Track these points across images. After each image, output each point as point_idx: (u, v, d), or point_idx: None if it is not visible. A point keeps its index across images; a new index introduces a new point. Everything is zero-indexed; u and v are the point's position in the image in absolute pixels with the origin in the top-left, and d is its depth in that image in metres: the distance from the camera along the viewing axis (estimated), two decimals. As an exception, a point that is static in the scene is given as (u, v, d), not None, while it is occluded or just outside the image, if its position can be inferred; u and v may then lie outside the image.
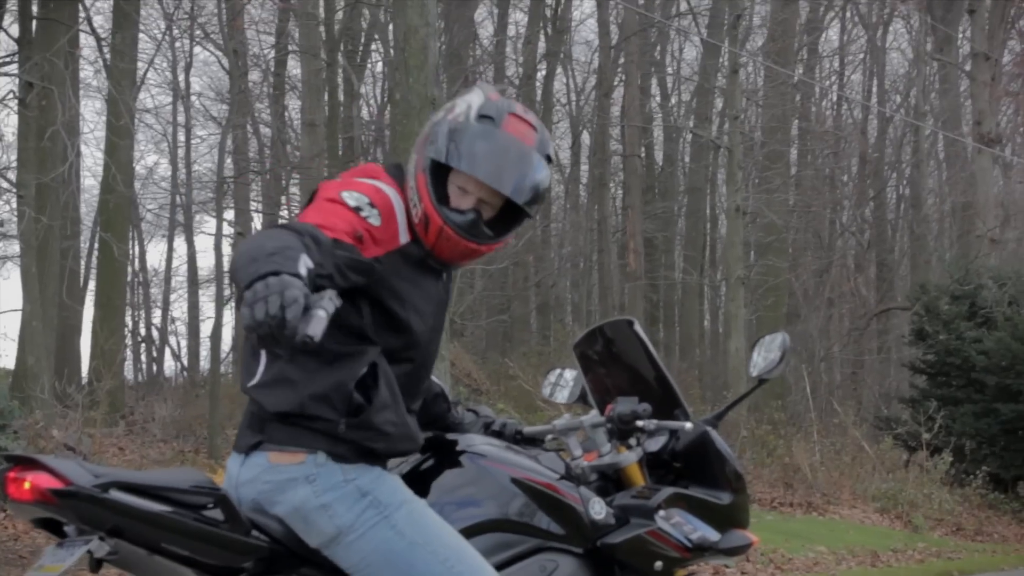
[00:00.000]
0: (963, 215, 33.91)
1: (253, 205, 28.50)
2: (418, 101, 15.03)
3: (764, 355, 4.43)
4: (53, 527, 3.25)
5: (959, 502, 21.49)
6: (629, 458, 4.13)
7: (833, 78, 39.67)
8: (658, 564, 3.98)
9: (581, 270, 32.14)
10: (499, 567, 3.60)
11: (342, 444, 3.38)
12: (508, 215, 3.69)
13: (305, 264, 2.95)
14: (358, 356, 3.39)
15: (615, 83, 32.02)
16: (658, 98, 36.31)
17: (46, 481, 3.06)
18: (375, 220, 3.37)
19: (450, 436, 3.89)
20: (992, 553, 18.73)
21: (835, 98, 38.88)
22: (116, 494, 3.14)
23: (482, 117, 3.61)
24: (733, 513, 4.25)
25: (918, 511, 20.19)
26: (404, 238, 3.50)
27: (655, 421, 4.07)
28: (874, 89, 39.81)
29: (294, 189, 27.74)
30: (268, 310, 2.76)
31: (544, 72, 31.95)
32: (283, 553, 3.41)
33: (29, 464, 3.12)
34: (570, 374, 4.69)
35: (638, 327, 4.49)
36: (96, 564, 3.18)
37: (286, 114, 29.55)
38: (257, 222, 29.14)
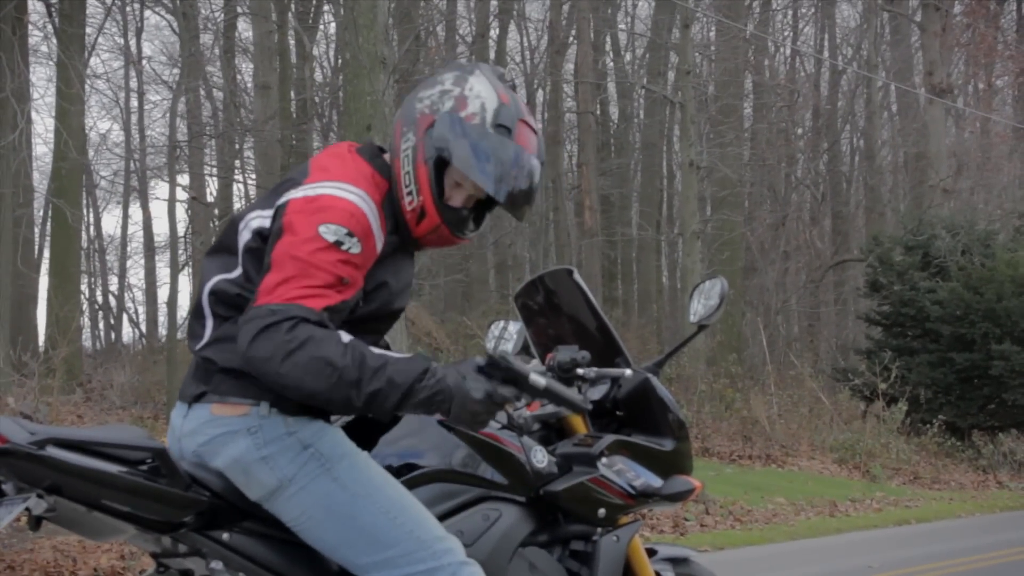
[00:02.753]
0: (916, 166, 34.12)
1: (207, 169, 28.34)
2: (368, 60, 14.98)
3: (703, 301, 4.40)
4: None
5: (916, 451, 21.70)
6: None
7: (786, 32, 39.74)
8: (601, 511, 3.97)
9: (538, 228, 32.14)
10: (442, 517, 3.60)
11: (285, 397, 3.36)
12: (485, 206, 3.76)
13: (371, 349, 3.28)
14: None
15: (568, 40, 31.97)
16: (611, 55, 36.28)
17: None
18: (356, 248, 3.36)
19: None
20: (949, 501, 18.89)
21: (788, 52, 38.94)
22: (53, 451, 3.12)
23: (499, 127, 3.59)
24: (676, 459, 4.22)
25: (875, 461, 20.37)
26: (380, 244, 3.48)
27: (595, 369, 4.04)
28: (826, 42, 39.92)
29: (248, 152, 27.65)
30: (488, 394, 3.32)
31: (497, 30, 31.88)
32: (223, 507, 3.39)
33: None
34: (514, 326, 4.65)
35: (577, 276, 4.47)
36: (35, 522, 3.20)
37: (238, 77, 29.41)
38: (212, 186, 29.03)
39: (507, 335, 4.60)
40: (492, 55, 30.70)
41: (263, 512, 3.42)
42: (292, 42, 25.80)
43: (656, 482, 4.09)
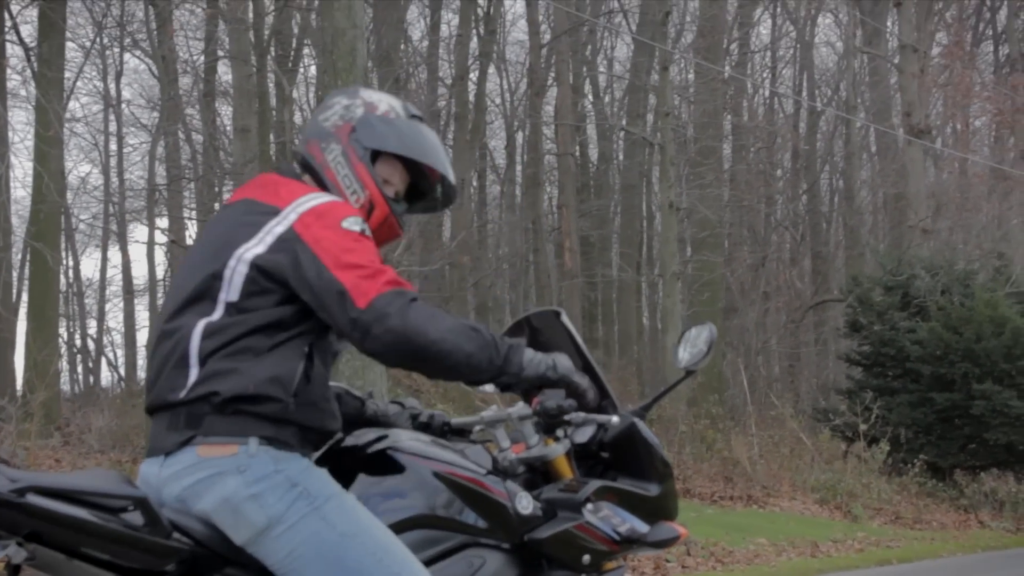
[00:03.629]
0: (895, 206, 34.27)
1: (186, 212, 28.33)
2: (347, 104, 14.94)
3: (690, 348, 4.39)
4: None
5: (897, 491, 21.69)
6: (556, 450, 4.05)
7: (764, 73, 39.95)
8: (586, 557, 3.94)
9: (518, 270, 32.18)
10: (427, 563, 3.56)
11: (286, 427, 3.40)
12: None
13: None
14: (300, 337, 3.46)
15: (548, 83, 32.08)
16: (591, 97, 36.42)
17: None
18: (370, 235, 3.53)
19: (375, 432, 3.87)
20: (931, 541, 18.89)
21: (767, 93, 39.14)
22: (33, 498, 3.07)
23: (412, 116, 3.83)
24: (661, 504, 4.20)
25: (857, 501, 20.34)
26: None
27: (582, 414, 3.96)
28: (804, 83, 40.12)
29: (227, 195, 27.60)
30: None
31: (477, 73, 31.97)
32: (205, 555, 3.36)
33: None
34: None
35: (565, 318, 4.44)
36: (14, 570, 3.12)
37: (218, 120, 29.39)
38: (191, 229, 28.99)
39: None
40: (472, 98, 30.77)
41: (246, 558, 3.38)
42: (272, 85, 25.80)
43: (642, 528, 4.07)
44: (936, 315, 23.19)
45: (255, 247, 3.43)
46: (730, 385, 27.26)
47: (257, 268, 3.41)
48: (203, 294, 3.45)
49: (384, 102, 3.82)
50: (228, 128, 28.14)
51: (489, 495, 3.80)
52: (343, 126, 3.75)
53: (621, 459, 4.24)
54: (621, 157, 35.29)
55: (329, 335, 3.58)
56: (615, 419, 4.06)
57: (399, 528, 3.59)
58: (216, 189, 27.05)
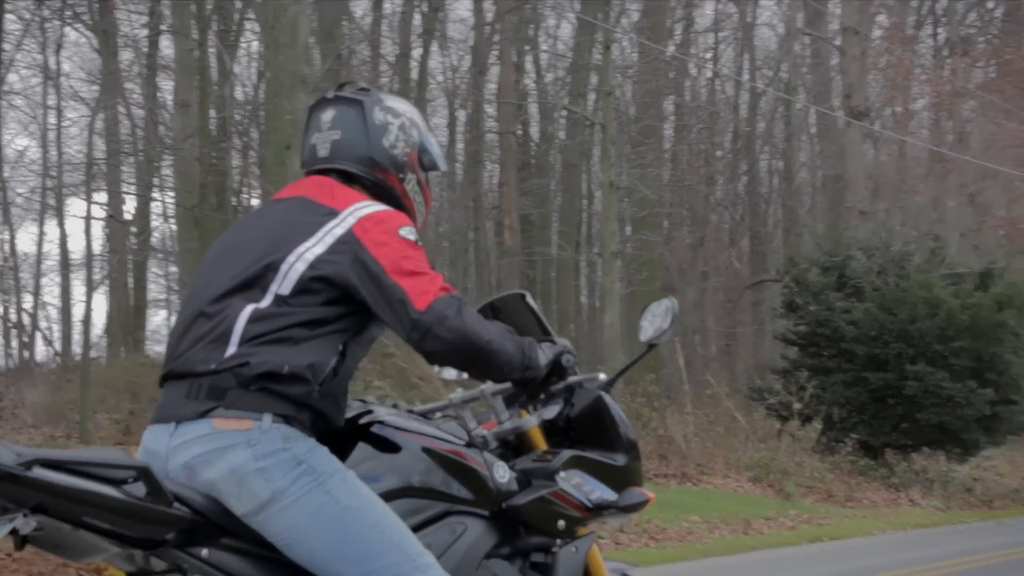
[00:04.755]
0: (833, 188, 34.49)
1: (125, 187, 28.12)
2: (288, 79, 14.96)
3: (652, 321, 4.59)
4: None
5: (829, 469, 21.90)
6: (530, 422, 4.27)
7: (707, 54, 40.07)
8: (561, 523, 4.14)
9: (458, 248, 32.18)
10: (412, 530, 3.73)
11: (304, 410, 3.58)
12: None
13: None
14: (337, 334, 3.67)
15: (490, 61, 32.05)
16: (533, 75, 36.41)
17: None
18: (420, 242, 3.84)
19: (358, 407, 4.03)
20: (862, 519, 19.09)
21: (709, 74, 39.25)
22: (39, 471, 3.19)
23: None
24: (628, 474, 4.41)
25: (790, 479, 20.54)
26: None
27: (577, 376, 4.32)
28: (746, 64, 40.28)
29: (167, 170, 27.46)
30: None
31: (420, 50, 31.89)
32: (204, 524, 3.48)
33: None
34: None
35: (530, 299, 4.64)
36: (21, 541, 3.25)
37: (158, 95, 29.19)
38: (130, 204, 28.82)
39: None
40: (415, 75, 30.72)
41: (243, 528, 3.53)
42: (213, 60, 25.69)
43: (611, 495, 4.29)
44: (871, 296, 23.38)
45: (315, 247, 3.64)
46: (666, 364, 27.36)
47: (315, 268, 3.62)
48: (254, 282, 3.64)
49: (418, 115, 4.13)
50: (168, 103, 27.96)
51: (470, 466, 4.00)
52: (411, 153, 4.04)
53: (588, 432, 4.44)
54: (562, 136, 35.29)
55: (362, 338, 3.81)
56: (602, 375, 4.47)
57: (387, 498, 3.74)
58: (155, 164, 26.91)
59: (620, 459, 4.38)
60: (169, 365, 3.70)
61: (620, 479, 4.35)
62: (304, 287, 3.61)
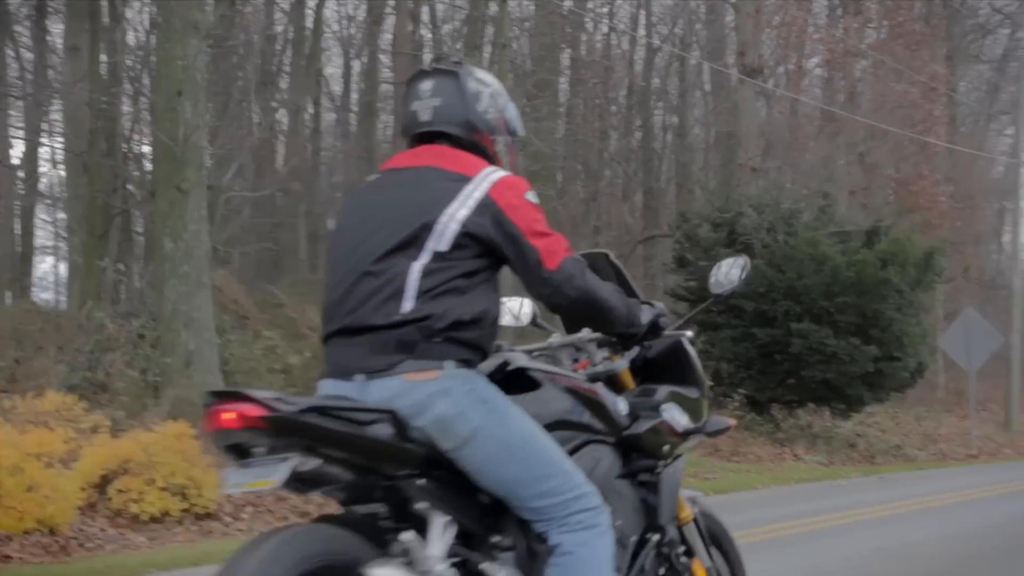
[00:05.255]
0: (726, 144, 34.73)
1: (12, 131, 27.68)
2: (181, 24, 14.83)
3: (725, 274, 5.24)
4: (239, 453, 3.79)
5: (716, 424, 22.10)
6: (621, 365, 4.97)
7: (603, 8, 40.06)
8: (666, 448, 4.98)
9: (351, 199, 31.97)
10: None
11: (477, 352, 4.15)
12: None
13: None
14: (489, 282, 4.21)
15: (386, 11, 31.86)
16: (429, 26, 36.22)
17: (253, 410, 3.65)
18: None
19: (496, 357, 4.53)
20: (747, 473, 19.40)
21: (605, 29, 39.26)
22: (311, 417, 3.73)
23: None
24: (702, 406, 5.25)
25: (677, 434, 20.71)
26: None
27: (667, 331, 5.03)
28: (642, 20, 40.34)
29: (56, 115, 27.05)
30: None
31: (315, -1, 31.65)
32: (427, 459, 4.03)
33: (232, 397, 3.72)
34: (528, 304, 5.50)
35: (613, 257, 5.25)
36: (294, 481, 3.74)
37: (48, 38, 28.70)
38: (18, 149, 28.37)
39: (523, 311, 5.51)
40: (310, 23, 30.49)
41: (446, 461, 4.08)
42: (104, 3, 25.25)
43: (697, 423, 5.21)
44: (761, 253, 23.54)
45: (460, 209, 4.10)
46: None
47: (465, 227, 4.09)
48: (412, 242, 4.09)
49: (501, 86, 4.61)
50: (59, 46, 27.51)
51: (602, 401, 4.71)
52: (499, 118, 4.51)
53: (665, 370, 5.22)
54: (458, 88, 35.06)
55: (498, 287, 4.36)
56: (689, 332, 5.28)
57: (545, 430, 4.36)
58: (44, 108, 26.49)
59: (695, 393, 5.19)
60: (339, 322, 4.16)
61: (698, 410, 5.20)
62: (458, 243, 4.08)
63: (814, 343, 22.61)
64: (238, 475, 3.80)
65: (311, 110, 33.29)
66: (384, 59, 32.63)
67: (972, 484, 18.59)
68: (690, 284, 25.09)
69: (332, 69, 34.14)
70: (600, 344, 4.98)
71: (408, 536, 3.96)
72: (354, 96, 34.71)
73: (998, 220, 51.32)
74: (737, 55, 32.26)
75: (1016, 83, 43.70)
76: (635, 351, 5.08)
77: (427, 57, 34.07)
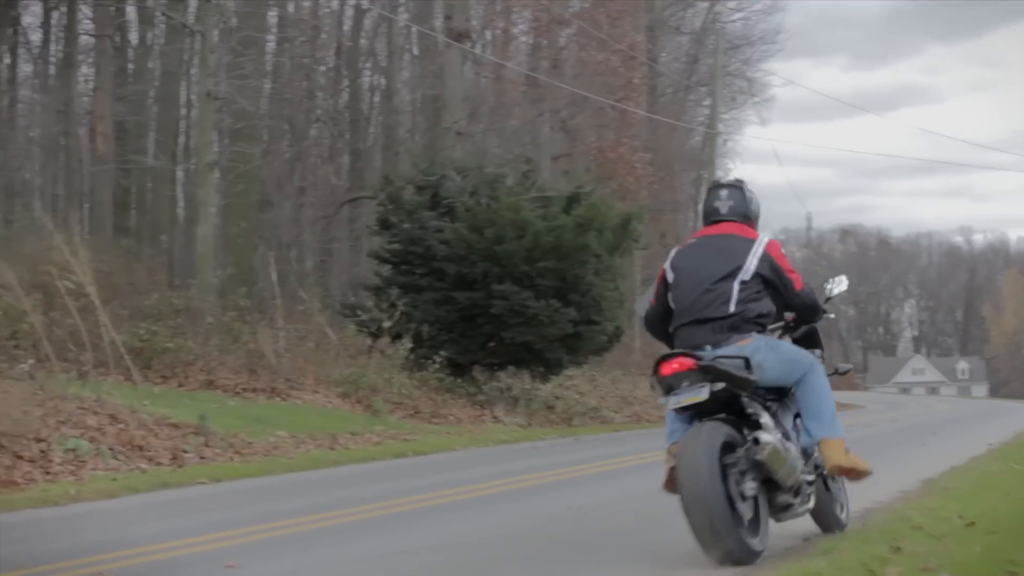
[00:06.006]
0: (432, 108, 34.85)
1: None
2: None
3: (835, 287, 8.64)
4: (667, 389, 7.28)
5: (417, 386, 22.30)
6: (786, 342, 8.04)
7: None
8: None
9: (48, 153, 31.08)
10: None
11: (763, 329, 7.58)
12: None
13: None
14: (769, 297, 7.72)
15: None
16: (132, -23, 35.29)
17: (687, 362, 7.18)
18: None
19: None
20: (447, 434, 19.61)
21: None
22: (718, 362, 7.15)
23: None
24: (824, 359, 8.24)
25: (378, 395, 20.87)
26: None
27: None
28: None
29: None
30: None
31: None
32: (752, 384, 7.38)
33: (673, 356, 7.27)
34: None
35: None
36: (713, 399, 7.15)
37: None
38: None
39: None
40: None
41: (735, 400, 7.39)
42: None
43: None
44: (462, 216, 23.76)
45: (752, 259, 7.57)
46: (260, 278, 27.22)
47: (757, 268, 7.56)
48: (731, 274, 7.51)
49: (758, 197, 8.30)
50: None
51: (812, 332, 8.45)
52: (758, 213, 8.10)
53: (802, 342, 8.13)
54: (162, 43, 34.37)
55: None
56: (831, 315, 8.58)
57: None
58: None
59: (818, 353, 8.18)
60: (691, 316, 7.56)
61: (823, 360, 8.17)
62: (754, 275, 7.53)
63: (515, 305, 22.90)
64: (674, 399, 7.25)
65: (8, 60, 32.10)
66: (85, 9, 31.63)
67: (664, 445, 19.11)
68: (393, 247, 25.11)
69: (30, 18, 32.87)
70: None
71: (766, 419, 7.37)
72: (52, 47, 33.53)
73: (695, 188, 52.81)
74: (444, 19, 32.42)
75: (713, 55, 45.11)
76: (802, 330, 8.17)
77: (131, 11, 33.23)
